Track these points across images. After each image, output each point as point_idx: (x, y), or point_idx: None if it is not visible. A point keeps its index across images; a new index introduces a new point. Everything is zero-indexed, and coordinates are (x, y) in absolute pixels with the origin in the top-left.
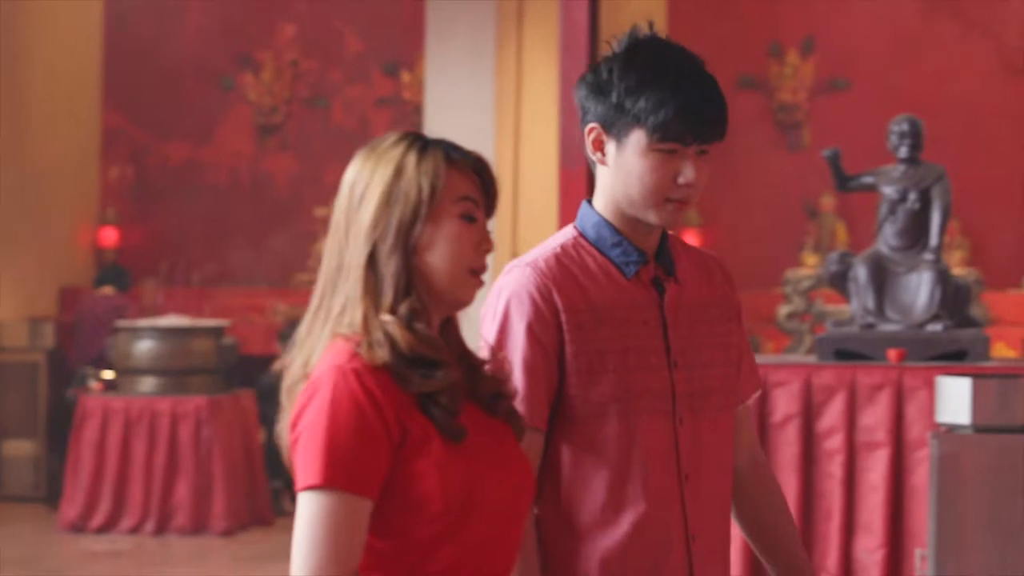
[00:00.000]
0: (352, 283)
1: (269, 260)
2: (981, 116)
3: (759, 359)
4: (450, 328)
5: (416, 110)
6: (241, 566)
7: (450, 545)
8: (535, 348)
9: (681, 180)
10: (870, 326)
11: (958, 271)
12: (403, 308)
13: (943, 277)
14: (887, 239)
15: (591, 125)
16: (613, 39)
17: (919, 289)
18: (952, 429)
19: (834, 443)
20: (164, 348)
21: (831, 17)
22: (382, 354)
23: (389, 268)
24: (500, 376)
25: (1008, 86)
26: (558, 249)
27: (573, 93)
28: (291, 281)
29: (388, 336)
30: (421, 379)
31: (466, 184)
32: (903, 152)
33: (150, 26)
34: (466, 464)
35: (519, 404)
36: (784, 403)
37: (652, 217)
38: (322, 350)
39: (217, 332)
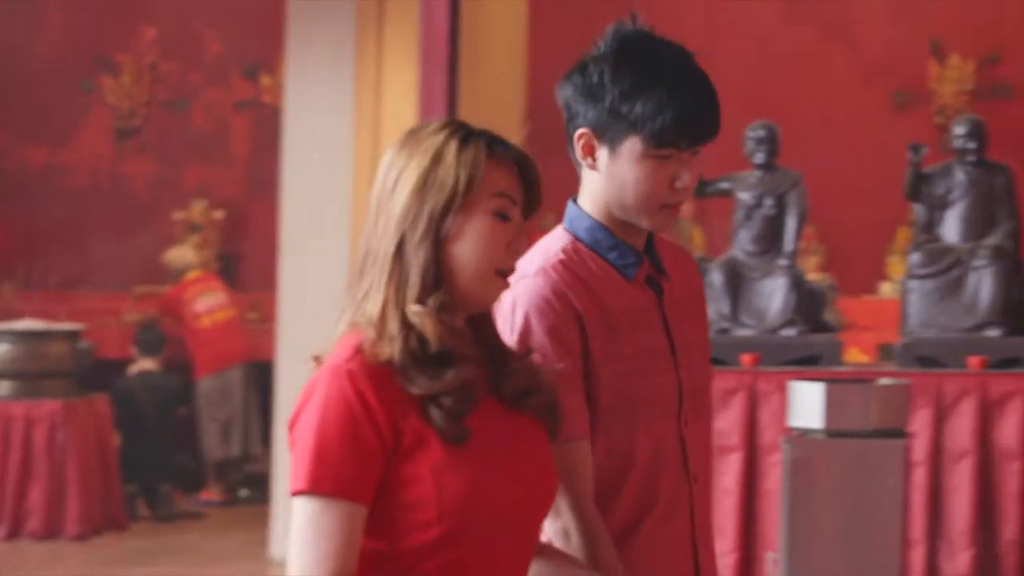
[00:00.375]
0: (378, 270)
1: (126, 263)
2: (838, 122)
3: None
4: (483, 322)
5: (276, 113)
6: (95, 570)
7: (446, 553)
8: (563, 354)
9: (678, 184)
10: (725, 331)
11: (813, 276)
12: (433, 300)
13: (798, 282)
14: (742, 245)
15: (581, 131)
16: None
17: (774, 294)
18: (804, 433)
19: None
20: (18, 352)
21: (695, 22)
22: (389, 350)
23: (418, 258)
24: (534, 370)
25: (865, 92)
26: (561, 255)
27: (557, 95)
28: (134, 291)
29: (407, 329)
30: (428, 380)
31: (506, 179)
32: (759, 158)
33: (7, 28)
34: (469, 469)
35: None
36: None
37: (645, 222)
38: (336, 340)
39: (72, 336)
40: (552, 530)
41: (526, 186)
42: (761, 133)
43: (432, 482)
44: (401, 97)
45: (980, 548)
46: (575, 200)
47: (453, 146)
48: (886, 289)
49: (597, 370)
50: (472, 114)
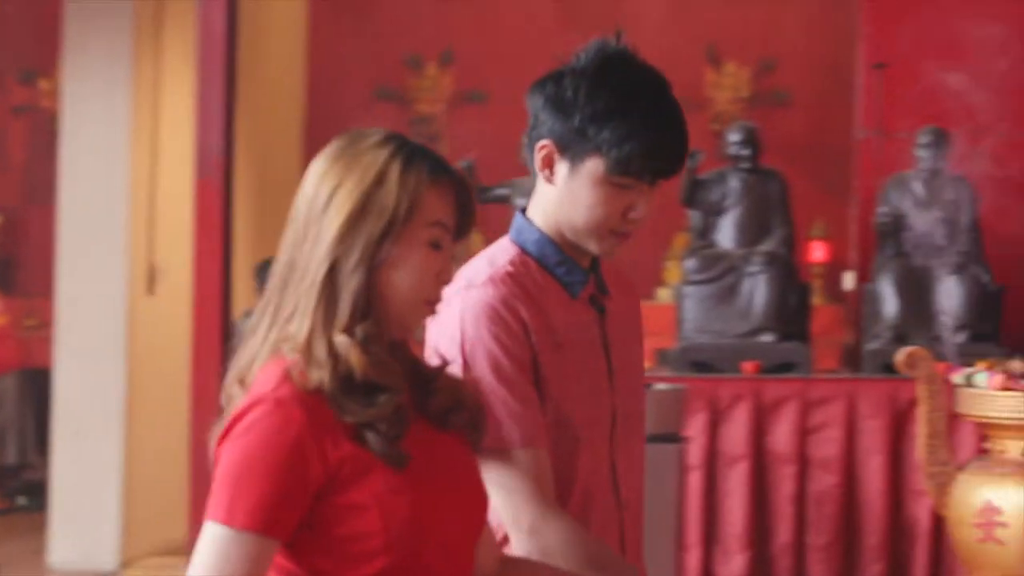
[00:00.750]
0: (304, 291)
1: None
2: None
3: None
4: (402, 344)
5: (53, 118)
6: None
7: None
8: (514, 364)
9: (632, 215)
10: None
11: None
12: (360, 330)
13: None
14: None
15: (544, 142)
16: (580, 50)
17: None
18: None
19: None
20: None
21: (469, 30)
22: (317, 377)
23: (350, 284)
24: (456, 385)
25: None
26: (509, 267)
27: (526, 98)
28: None
29: (335, 357)
30: (360, 407)
31: (442, 207)
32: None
33: None
34: (412, 492)
35: (511, 427)
36: None
37: (592, 246)
38: (261, 362)
39: None
40: (531, 547)
41: (460, 211)
42: None
43: (376, 511)
44: (179, 103)
45: (755, 551)
46: (523, 212)
47: (396, 167)
48: (663, 295)
49: (544, 387)
50: (249, 121)
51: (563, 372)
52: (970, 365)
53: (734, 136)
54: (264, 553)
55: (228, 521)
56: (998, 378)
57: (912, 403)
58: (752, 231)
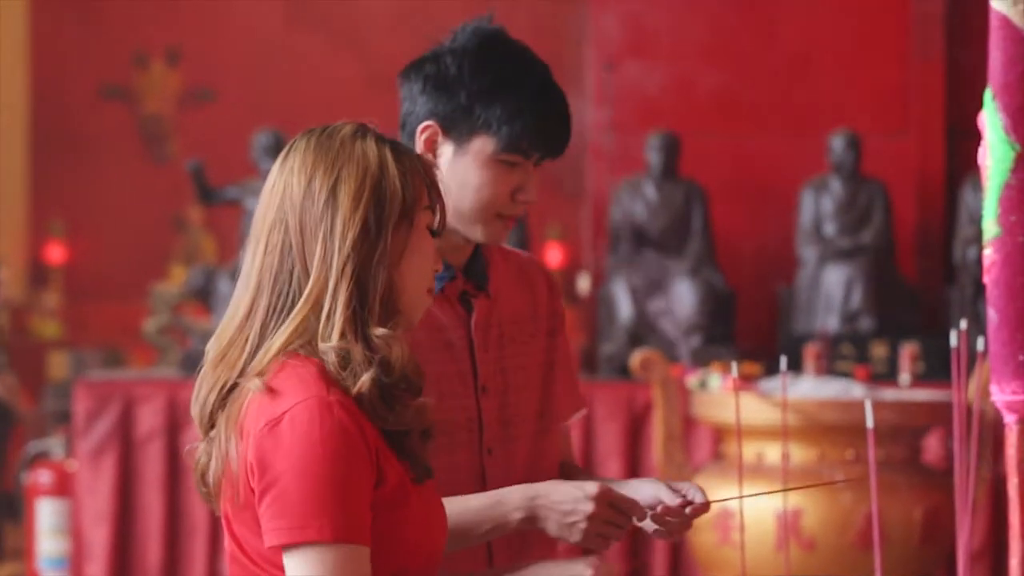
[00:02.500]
0: (331, 294)
1: None
2: None
3: (124, 374)
4: None
5: None
6: None
7: None
8: None
9: (521, 196)
10: None
11: None
12: (391, 324)
13: None
14: None
15: (427, 123)
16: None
17: None
18: None
19: None
20: None
21: (196, 27)
22: (358, 381)
23: (378, 279)
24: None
25: (373, 97)
26: None
27: (399, 83)
28: None
29: (374, 354)
30: (401, 415)
31: (426, 191)
32: (266, 165)
33: None
34: (430, 507)
35: None
36: (149, 418)
37: (478, 233)
38: (271, 367)
39: None
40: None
41: (433, 194)
42: (267, 140)
43: (411, 528)
44: None
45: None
46: None
47: (389, 154)
48: None
49: None
50: None
51: None
52: (705, 367)
53: None
54: (368, 564)
55: (342, 537)
56: (731, 381)
57: (648, 406)
58: None
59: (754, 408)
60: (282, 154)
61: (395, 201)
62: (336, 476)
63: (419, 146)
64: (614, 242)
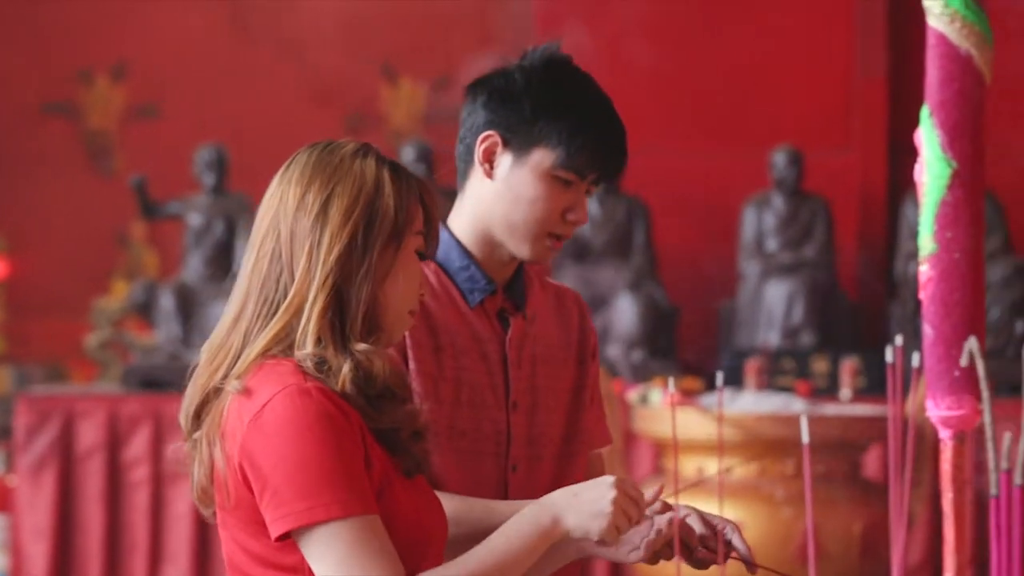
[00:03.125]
0: (309, 304)
1: None
2: (291, 144)
3: (66, 388)
4: None
5: None
6: None
7: None
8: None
9: (571, 216)
10: (176, 355)
11: None
12: (373, 340)
13: None
14: (194, 268)
15: (487, 132)
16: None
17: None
18: None
19: (140, 474)
20: None
21: (142, 43)
22: (338, 383)
23: (360, 295)
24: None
25: (319, 114)
26: None
27: (464, 98)
28: None
29: (356, 366)
30: (391, 413)
31: (420, 216)
32: (208, 180)
33: None
34: (421, 501)
35: None
36: (90, 434)
37: (525, 250)
38: (250, 370)
39: None
40: None
41: (429, 221)
42: (209, 156)
43: (398, 520)
44: None
45: None
46: (443, 222)
47: (387, 175)
48: None
49: (413, 381)
50: None
51: (438, 375)
52: (646, 382)
53: (408, 153)
54: (382, 529)
55: (349, 511)
56: (672, 396)
57: None
58: None
59: (694, 423)
60: (284, 166)
61: (386, 221)
62: (329, 453)
63: (478, 155)
64: (556, 256)
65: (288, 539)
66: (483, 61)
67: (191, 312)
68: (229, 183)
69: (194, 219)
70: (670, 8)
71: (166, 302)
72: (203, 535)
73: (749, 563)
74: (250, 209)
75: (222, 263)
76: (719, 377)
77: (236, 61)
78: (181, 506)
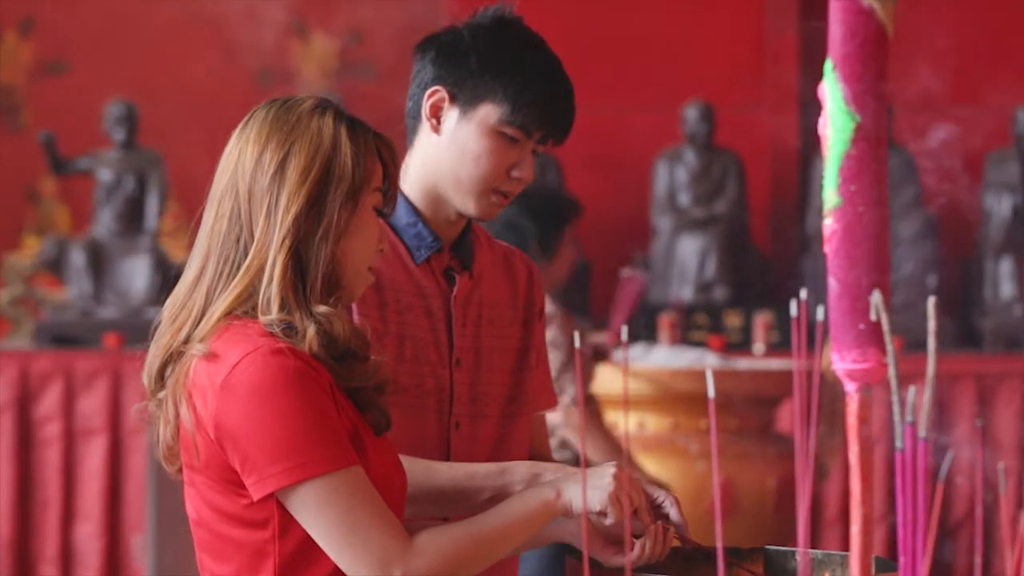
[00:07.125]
0: (270, 266)
1: None
2: (201, 100)
3: None
4: None
5: None
6: None
7: None
8: None
9: (516, 173)
10: (87, 312)
11: (185, 255)
12: (334, 300)
13: (161, 262)
14: (104, 224)
15: (435, 87)
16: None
17: (136, 274)
18: None
19: (52, 431)
20: None
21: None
22: (304, 344)
23: (320, 255)
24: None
25: (228, 70)
26: None
27: (413, 55)
28: None
29: (321, 328)
30: (358, 371)
31: (379, 173)
32: (119, 136)
33: None
34: (387, 460)
35: None
36: (1, 391)
37: (471, 206)
38: (215, 330)
39: None
40: None
41: (388, 177)
42: (119, 111)
43: (372, 477)
44: None
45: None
46: None
47: (344, 132)
48: None
49: None
50: None
51: (381, 330)
52: None
53: None
54: (368, 479)
55: (335, 465)
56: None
57: None
58: None
59: (607, 378)
60: (242, 122)
61: (344, 180)
62: (310, 409)
63: (425, 111)
64: None
65: (270, 499)
66: (394, 17)
67: (102, 268)
68: (139, 138)
69: (104, 175)
70: None
71: (77, 258)
72: (115, 492)
73: (684, 538)
74: (160, 165)
75: (133, 219)
76: (623, 332)
77: (145, 16)
78: (93, 463)
